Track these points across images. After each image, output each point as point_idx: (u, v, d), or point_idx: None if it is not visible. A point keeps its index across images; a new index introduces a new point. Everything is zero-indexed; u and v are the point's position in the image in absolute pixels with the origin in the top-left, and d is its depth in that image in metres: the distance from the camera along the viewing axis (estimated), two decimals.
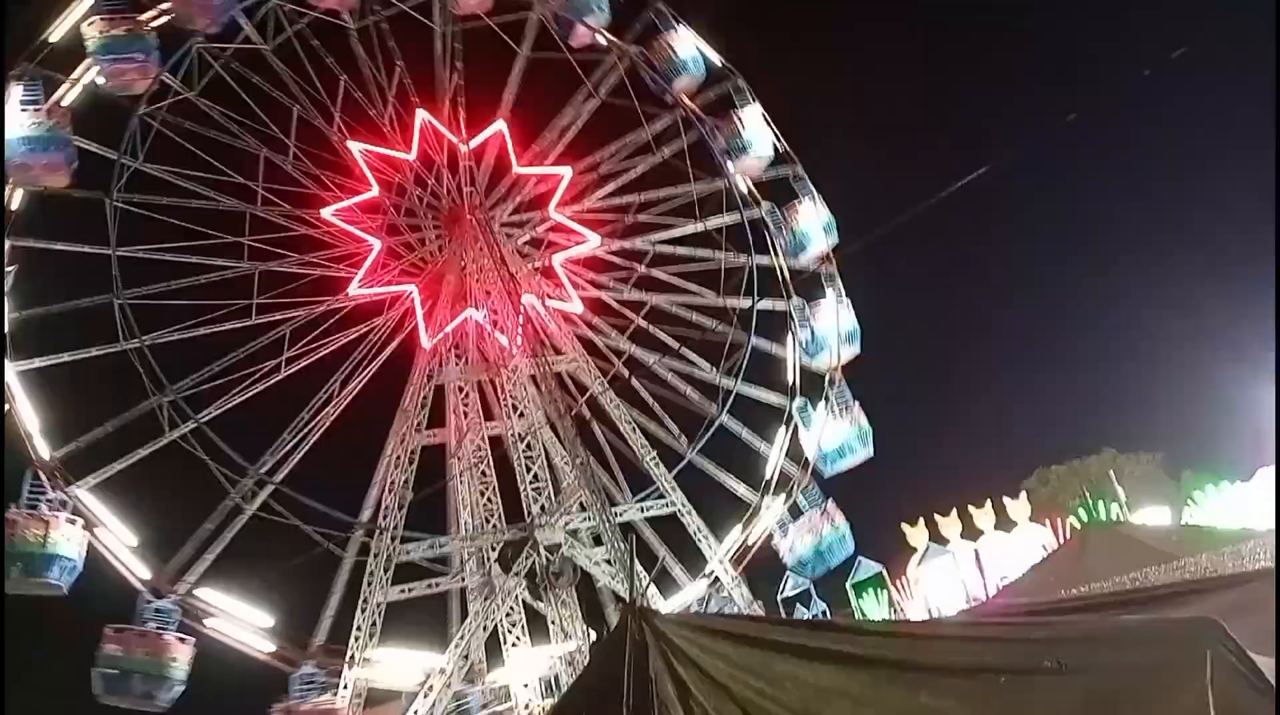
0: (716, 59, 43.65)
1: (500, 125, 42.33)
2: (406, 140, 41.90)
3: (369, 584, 37.05)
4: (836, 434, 41.20)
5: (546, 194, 42.92)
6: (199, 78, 39.27)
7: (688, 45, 42.95)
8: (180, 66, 38.77)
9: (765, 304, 43.13)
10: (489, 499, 38.67)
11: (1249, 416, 30.37)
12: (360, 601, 36.80)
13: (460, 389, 40.47)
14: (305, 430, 38.46)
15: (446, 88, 42.24)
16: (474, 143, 42.51)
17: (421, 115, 41.96)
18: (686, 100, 43.28)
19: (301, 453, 38.19)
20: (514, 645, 36.55)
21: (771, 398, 42.47)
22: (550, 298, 41.83)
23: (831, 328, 42.44)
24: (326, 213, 40.43)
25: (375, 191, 41.12)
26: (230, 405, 37.92)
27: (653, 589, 38.85)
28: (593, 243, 42.56)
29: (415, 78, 42.17)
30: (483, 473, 39.02)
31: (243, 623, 35.77)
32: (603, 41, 42.88)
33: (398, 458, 39.05)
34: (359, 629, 36.12)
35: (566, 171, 42.54)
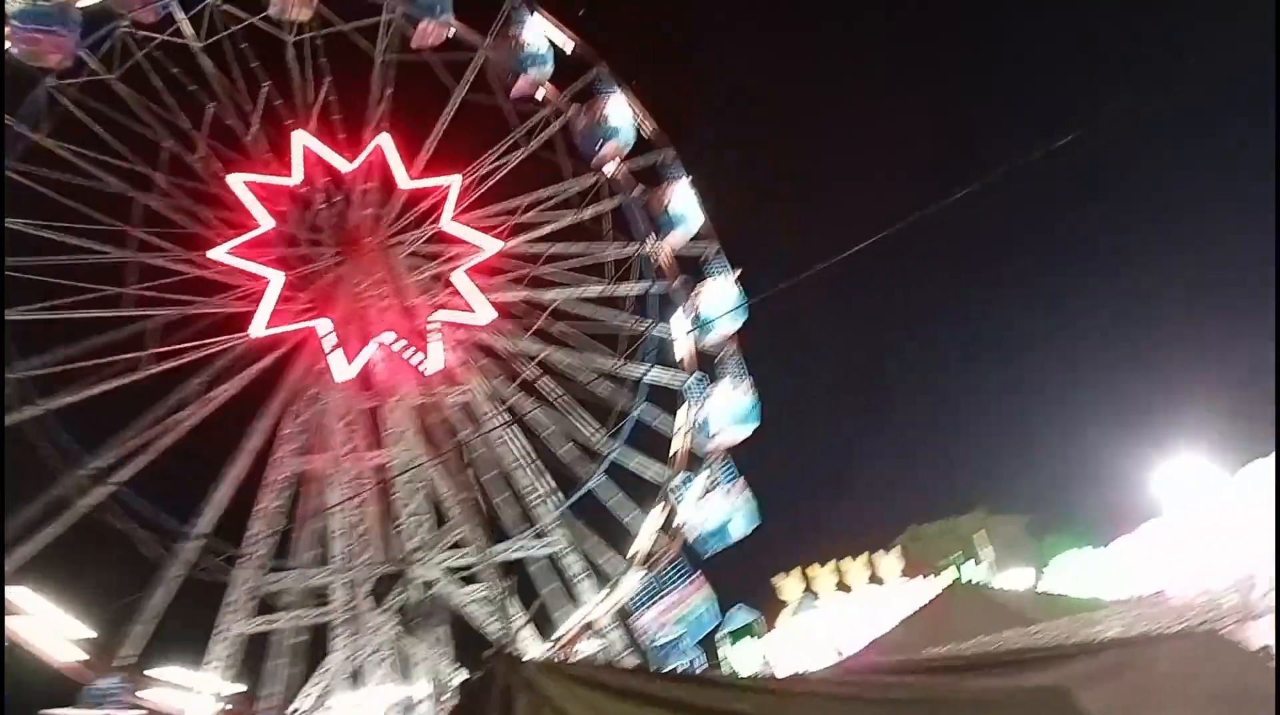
0: (650, 129, 44.12)
1: (453, 179, 41.93)
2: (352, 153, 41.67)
3: (227, 612, 35.72)
4: (717, 513, 40.88)
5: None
6: (118, 62, 38.62)
7: (623, 111, 43.48)
8: (101, 47, 38.14)
9: (661, 376, 43.22)
10: (365, 530, 37.70)
11: (1110, 486, 31.84)
12: (216, 629, 35.44)
13: (345, 415, 39.65)
14: (156, 433, 36.63)
15: (373, 113, 42.34)
16: (420, 184, 42.07)
17: (299, 137, 41.50)
18: (615, 164, 43.82)
19: (150, 456, 36.43)
20: (377, 684, 35.71)
21: (653, 470, 42.22)
22: (454, 310, 41.07)
23: (726, 407, 42.26)
24: (217, 253, 39.19)
25: (267, 222, 40.20)
26: (82, 396, 36.01)
27: (529, 630, 38.54)
28: (491, 248, 41.73)
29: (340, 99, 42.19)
30: (361, 503, 38.06)
31: (51, 629, 33.48)
32: (540, 95, 43.46)
33: (272, 482, 38.03)
34: (212, 657, 34.86)
35: (455, 179, 41.89)
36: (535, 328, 42.67)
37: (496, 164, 43.25)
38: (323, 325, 39.01)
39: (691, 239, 44.29)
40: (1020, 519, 43.91)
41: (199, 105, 40.45)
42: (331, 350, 38.28)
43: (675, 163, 44.18)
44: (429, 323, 38.79)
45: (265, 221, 39.87)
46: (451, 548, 36.93)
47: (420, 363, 37.65)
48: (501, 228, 42.85)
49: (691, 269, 44.36)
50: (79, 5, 36.92)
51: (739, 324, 43.58)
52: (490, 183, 43.04)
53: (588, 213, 43.85)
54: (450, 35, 42.98)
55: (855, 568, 39.33)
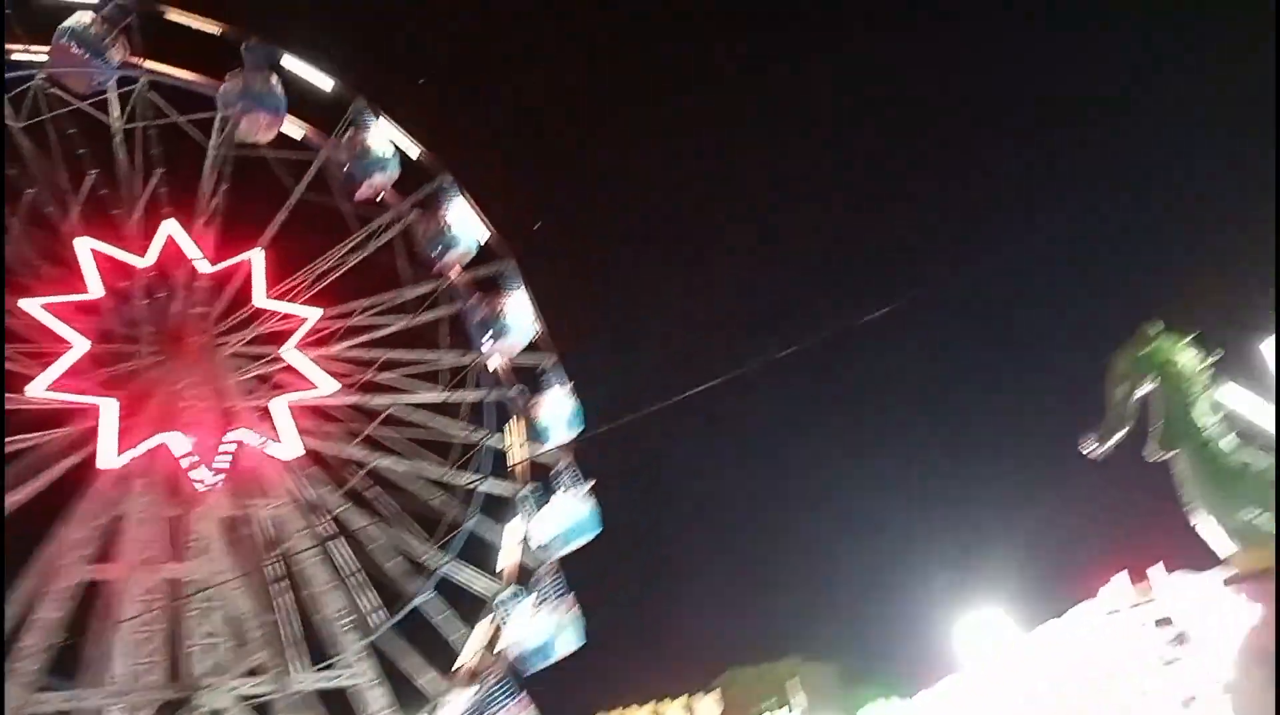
0: (492, 238, 43.86)
1: (255, 254, 41.18)
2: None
3: None
4: (541, 630, 39.70)
5: (288, 332, 41.33)
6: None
7: (466, 219, 43.34)
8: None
9: (494, 486, 42.34)
10: (153, 650, 35.18)
11: (916, 637, 32.63)
12: None
13: (142, 521, 37.49)
14: None
15: (205, 205, 41.20)
16: (222, 266, 41.06)
17: (169, 225, 40.47)
18: (455, 271, 43.49)
19: None
20: None
21: (481, 583, 41.00)
22: (265, 437, 39.84)
23: (559, 518, 41.43)
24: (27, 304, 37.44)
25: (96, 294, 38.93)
26: None
27: None
28: (327, 389, 40.96)
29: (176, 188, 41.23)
30: (152, 619, 35.59)
31: None
32: (382, 199, 43.07)
33: (53, 590, 35.06)
34: None
35: (315, 312, 41.21)
36: (365, 434, 41.76)
37: (333, 266, 42.60)
38: (108, 405, 36.71)
39: (527, 349, 44.10)
40: (832, 667, 44.72)
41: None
42: (107, 434, 35.96)
43: (515, 272, 44.14)
44: (225, 441, 37.37)
45: (95, 290, 38.66)
46: (247, 675, 35.01)
47: (205, 472, 36.10)
48: (335, 330, 42.10)
49: (528, 379, 44.15)
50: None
51: (574, 434, 43.51)
52: (325, 283, 42.34)
53: (425, 318, 43.35)
54: (298, 137, 42.63)
55: (674, 710, 39.11)
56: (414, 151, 43.83)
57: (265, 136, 41.85)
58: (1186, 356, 22.74)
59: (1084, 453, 23.91)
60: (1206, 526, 21.89)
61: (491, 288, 44.07)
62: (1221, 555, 21.71)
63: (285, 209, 42.15)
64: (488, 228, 44.17)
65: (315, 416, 41.11)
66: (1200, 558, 22.17)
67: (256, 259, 41.35)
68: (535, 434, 42.92)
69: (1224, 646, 21.18)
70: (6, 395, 35.53)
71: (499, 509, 42.56)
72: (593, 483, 42.45)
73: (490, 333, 43.41)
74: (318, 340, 41.52)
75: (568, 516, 42.08)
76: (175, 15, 40.92)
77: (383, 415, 41.79)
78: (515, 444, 42.81)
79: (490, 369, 43.82)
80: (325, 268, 42.29)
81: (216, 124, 41.26)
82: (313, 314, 41.28)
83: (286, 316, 41.39)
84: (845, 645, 44.10)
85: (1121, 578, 23.36)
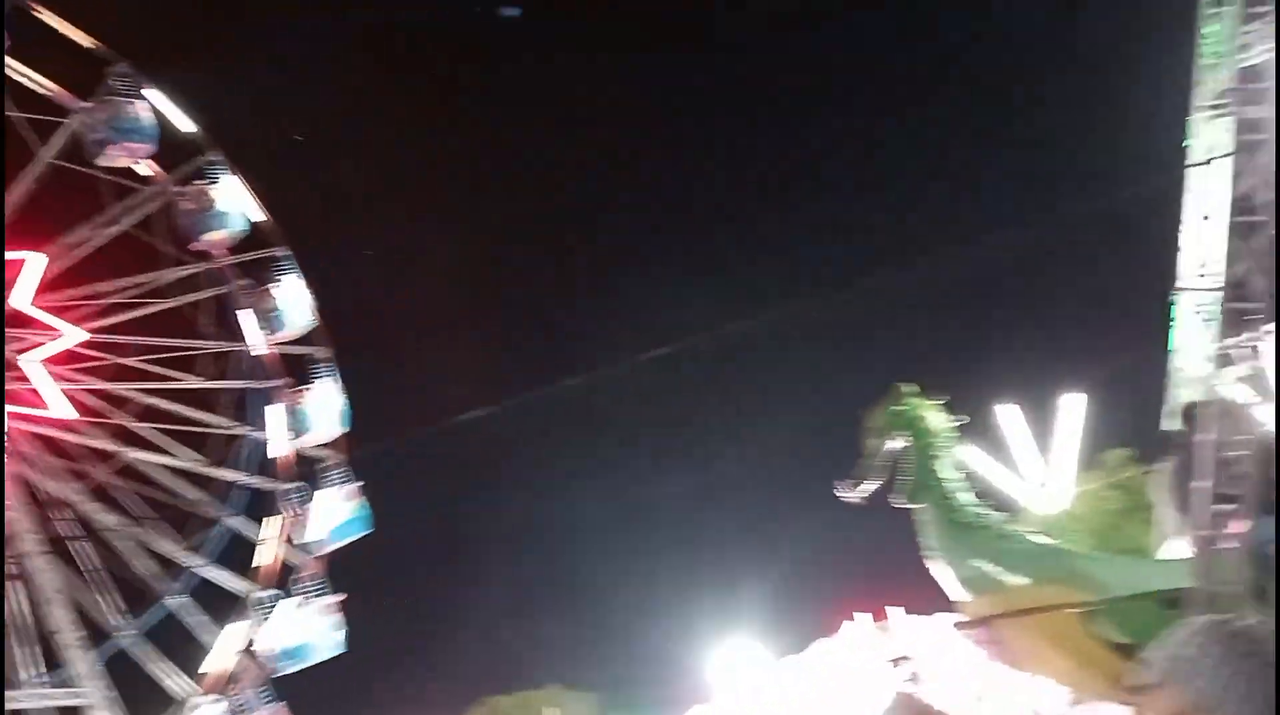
0: (263, 218, 41.57)
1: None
2: None
3: None
4: (298, 631, 38.38)
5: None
6: None
7: (235, 198, 40.83)
8: None
9: (256, 482, 40.66)
10: None
11: (672, 666, 33.81)
12: None
13: None
14: None
15: None
16: None
17: None
18: (221, 253, 41.06)
19: None
20: None
21: (237, 583, 39.42)
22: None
23: (323, 516, 40.07)
24: None
25: None
26: None
27: None
28: (73, 338, 37.95)
29: None
30: None
31: None
32: (143, 172, 40.00)
33: None
34: None
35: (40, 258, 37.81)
36: (115, 424, 39.40)
37: (85, 241, 39.66)
38: None
39: (297, 340, 42.59)
40: (591, 696, 45.72)
41: None
42: None
43: (288, 259, 42.38)
44: None
45: None
46: None
47: None
48: (87, 311, 39.34)
49: (296, 371, 42.66)
50: None
51: (342, 432, 42.36)
52: (76, 260, 39.46)
53: (185, 301, 41.10)
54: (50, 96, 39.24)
55: None
56: (185, 125, 41.16)
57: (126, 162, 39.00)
58: (935, 417, 24.73)
59: (839, 496, 25.85)
60: (942, 573, 24.03)
61: (262, 272, 42.14)
62: (953, 600, 23.88)
63: (31, 174, 38.70)
64: (260, 208, 42.19)
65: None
66: (936, 602, 24.27)
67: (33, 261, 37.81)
68: (300, 428, 41.59)
69: (951, 685, 23.25)
70: None
71: (260, 506, 41.16)
72: (361, 484, 41.59)
73: (259, 320, 41.57)
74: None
75: (333, 515, 40.96)
76: (47, 16, 37.48)
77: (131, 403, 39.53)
78: (280, 439, 41.31)
79: (255, 358, 42.05)
80: (79, 242, 39.43)
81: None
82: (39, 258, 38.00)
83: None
84: (606, 674, 45.06)
85: (865, 616, 25.19)
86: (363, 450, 41.74)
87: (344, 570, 40.09)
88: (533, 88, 64.36)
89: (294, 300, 42.13)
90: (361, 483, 41.30)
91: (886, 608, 25.06)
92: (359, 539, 40.91)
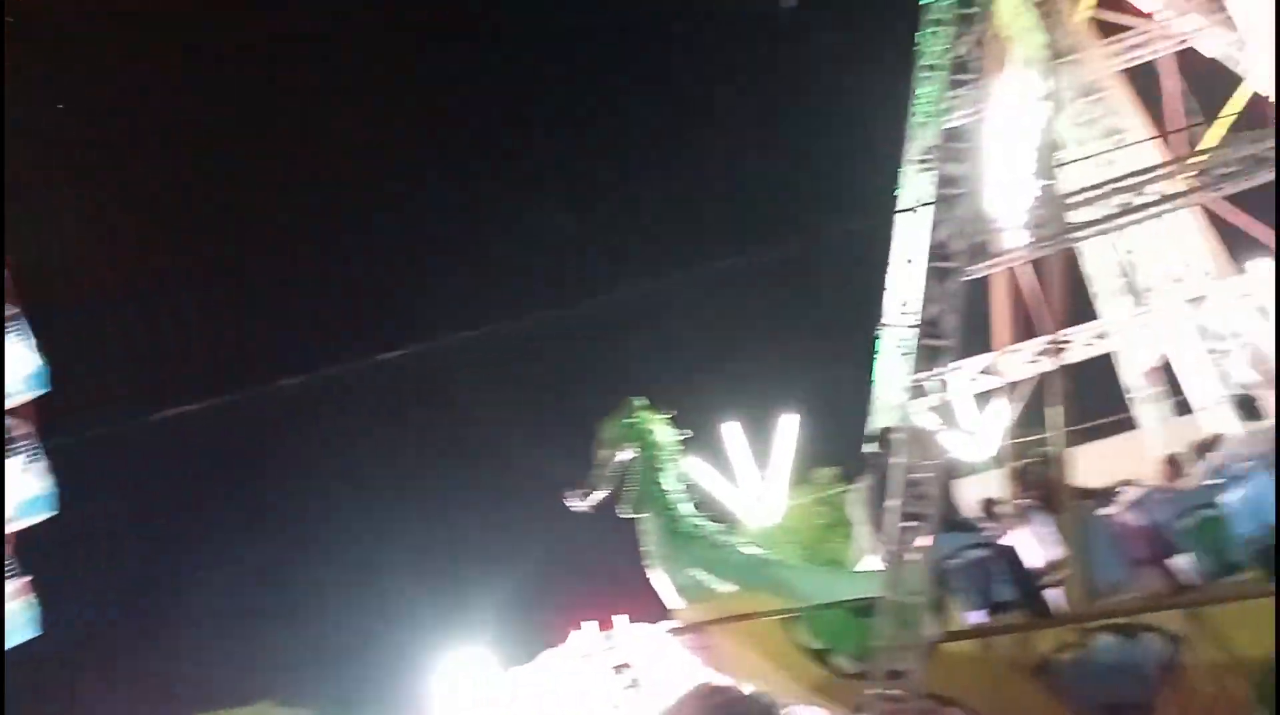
0: None
1: None
2: None
3: None
4: None
5: None
6: None
7: None
8: None
9: None
10: None
11: (396, 679, 33.41)
12: None
13: None
14: None
15: None
16: None
17: None
18: None
19: None
20: None
21: None
22: None
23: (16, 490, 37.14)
24: None
25: None
26: None
27: None
28: None
29: None
30: None
31: None
32: None
33: None
34: None
35: None
36: None
37: None
38: None
39: None
40: (307, 711, 44.21)
41: None
42: None
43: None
44: None
45: None
46: None
47: None
48: None
49: None
50: None
51: (33, 396, 38.93)
52: None
53: None
54: None
55: None
56: None
57: None
58: (663, 431, 25.77)
59: (569, 506, 26.42)
60: (660, 581, 25.05)
61: None
62: (669, 608, 24.96)
63: None
64: None
65: None
66: (661, 610, 25.26)
67: None
68: None
69: (665, 689, 24.36)
70: None
71: None
72: (47, 461, 38.41)
73: None
74: None
75: (16, 490, 37.75)
76: None
77: None
78: None
79: None
80: None
81: None
82: None
83: None
84: (324, 687, 43.61)
85: (591, 625, 25.95)
86: (62, 421, 38.33)
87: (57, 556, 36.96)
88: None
89: None
90: (50, 460, 38.12)
91: (612, 616, 25.86)
92: (53, 521, 37.85)
